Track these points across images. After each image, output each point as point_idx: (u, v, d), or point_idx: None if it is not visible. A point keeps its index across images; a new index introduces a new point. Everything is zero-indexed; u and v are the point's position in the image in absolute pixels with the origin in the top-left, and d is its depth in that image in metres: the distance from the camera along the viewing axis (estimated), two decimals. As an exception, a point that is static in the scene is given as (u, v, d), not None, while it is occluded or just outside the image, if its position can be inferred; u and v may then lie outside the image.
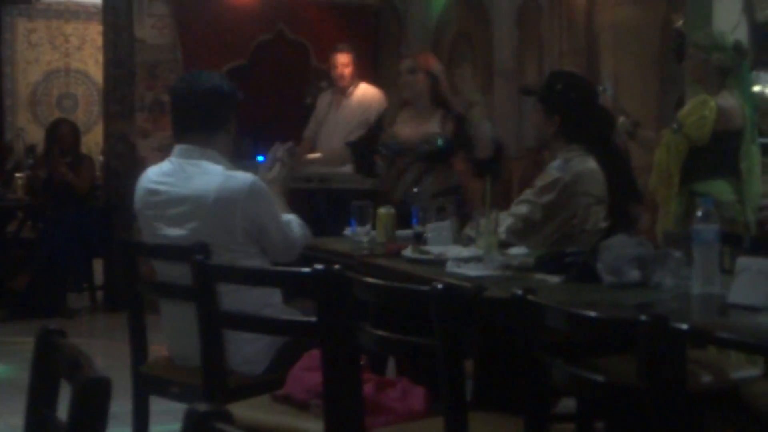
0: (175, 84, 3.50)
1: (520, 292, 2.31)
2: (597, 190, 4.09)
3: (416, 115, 5.56)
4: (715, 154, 4.71)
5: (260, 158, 6.86)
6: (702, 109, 4.65)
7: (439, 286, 2.38)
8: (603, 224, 4.07)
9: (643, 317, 2.00)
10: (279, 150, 3.76)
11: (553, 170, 4.10)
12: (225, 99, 3.47)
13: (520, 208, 4.07)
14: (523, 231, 4.03)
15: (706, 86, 4.76)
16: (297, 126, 7.60)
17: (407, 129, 5.56)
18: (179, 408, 3.52)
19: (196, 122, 3.41)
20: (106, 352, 6.04)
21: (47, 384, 1.78)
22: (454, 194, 5.24)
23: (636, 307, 2.63)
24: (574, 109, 4.16)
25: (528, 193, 4.14)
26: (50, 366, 1.77)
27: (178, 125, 3.47)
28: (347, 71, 7.07)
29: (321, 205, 6.72)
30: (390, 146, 5.57)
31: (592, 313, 2.18)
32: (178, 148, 3.44)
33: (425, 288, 2.41)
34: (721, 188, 4.69)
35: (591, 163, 4.12)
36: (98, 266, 8.08)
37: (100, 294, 8.08)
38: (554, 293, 2.83)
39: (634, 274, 2.90)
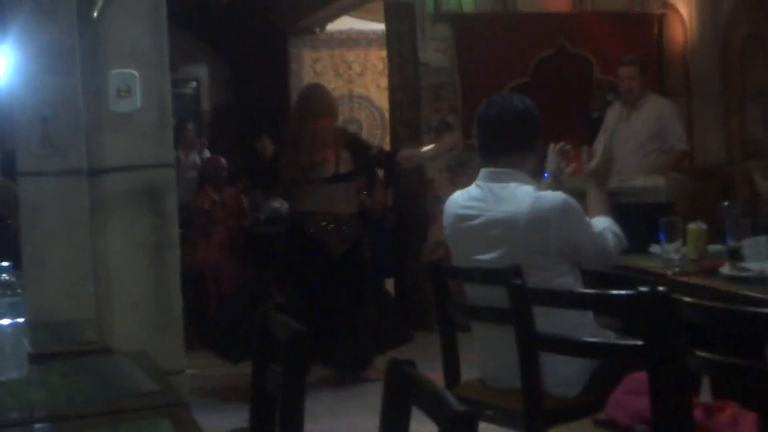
0: (484, 107, 3.50)
1: None
2: None
3: None
4: None
5: (546, 175, 6.84)
6: None
7: (782, 308, 2.26)
8: None
9: None
10: (557, 149, 3.79)
11: None
12: (534, 120, 3.47)
13: None
14: None
15: None
16: (584, 141, 7.50)
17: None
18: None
19: (507, 145, 3.43)
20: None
21: (400, 412, 1.81)
22: None
23: None
24: None
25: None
26: (403, 395, 1.80)
27: (488, 148, 3.48)
28: (634, 84, 6.91)
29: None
30: None
31: None
32: (485, 171, 3.46)
33: (764, 310, 2.30)
34: None
35: None
36: (389, 285, 8.27)
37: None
38: None
39: None
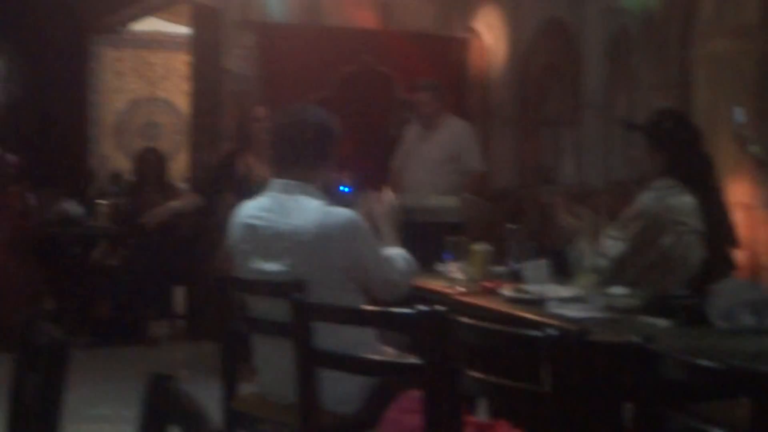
0: (280, 117, 3.44)
1: (639, 339, 2.21)
2: (692, 221, 3.97)
3: None
4: None
5: (344, 189, 6.83)
6: None
7: (551, 331, 2.29)
8: (699, 254, 3.94)
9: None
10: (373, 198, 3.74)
11: (643, 200, 4.01)
12: (329, 135, 3.42)
13: (610, 251, 3.94)
14: (615, 274, 3.91)
15: None
16: (382, 157, 7.56)
17: None
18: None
19: (300, 157, 3.36)
20: (190, 384, 6.02)
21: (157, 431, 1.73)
22: None
23: (753, 355, 2.52)
24: (680, 148, 4.05)
25: (613, 229, 4.03)
26: (161, 412, 1.72)
27: (281, 159, 3.41)
28: (429, 109, 6.98)
29: (405, 238, 6.64)
30: None
31: (720, 365, 2.07)
32: (276, 182, 3.39)
33: (537, 333, 2.32)
34: None
35: (687, 198, 4.00)
36: (180, 294, 8.10)
37: (180, 322, 8.09)
38: (665, 339, 2.71)
39: (749, 320, 2.79)
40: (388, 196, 3.80)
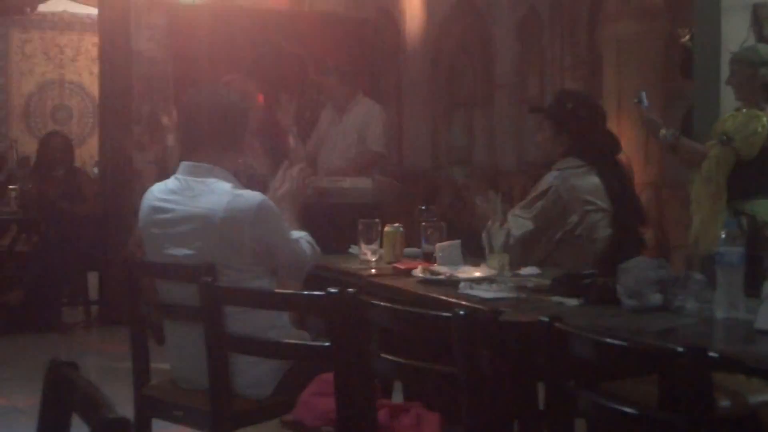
0: (189, 97, 3.37)
1: (546, 318, 2.23)
2: (598, 199, 4.02)
3: None
4: (762, 172, 4.59)
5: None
6: (755, 124, 4.55)
7: (461, 312, 2.30)
8: (606, 232, 4.00)
9: (681, 348, 1.91)
10: (292, 169, 3.69)
11: (547, 180, 4.05)
12: (239, 117, 3.37)
13: (515, 231, 3.98)
14: (522, 253, 3.95)
15: (754, 103, 4.64)
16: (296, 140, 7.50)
17: None
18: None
19: (208, 138, 3.31)
20: (103, 369, 5.96)
21: (58, 420, 1.69)
22: None
23: (660, 333, 2.56)
24: (583, 128, 4.10)
25: (519, 208, 4.07)
26: (62, 400, 1.68)
27: (189, 141, 3.35)
28: (335, 93, 6.95)
29: (320, 220, 6.60)
30: None
31: (627, 343, 2.10)
32: (184, 165, 3.34)
33: (447, 314, 2.33)
34: (765, 208, 4.57)
35: (592, 177, 4.06)
36: (92, 279, 7.99)
37: (94, 308, 7.98)
38: (573, 318, 2.74)
39: (656, 298, 2.82)
40: (292, 177, 3.74)
